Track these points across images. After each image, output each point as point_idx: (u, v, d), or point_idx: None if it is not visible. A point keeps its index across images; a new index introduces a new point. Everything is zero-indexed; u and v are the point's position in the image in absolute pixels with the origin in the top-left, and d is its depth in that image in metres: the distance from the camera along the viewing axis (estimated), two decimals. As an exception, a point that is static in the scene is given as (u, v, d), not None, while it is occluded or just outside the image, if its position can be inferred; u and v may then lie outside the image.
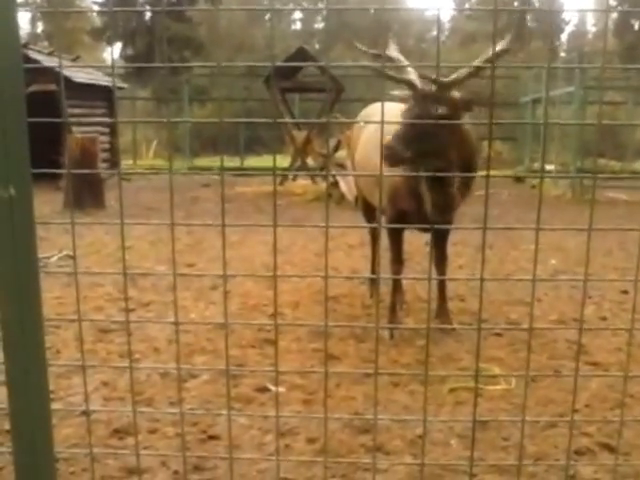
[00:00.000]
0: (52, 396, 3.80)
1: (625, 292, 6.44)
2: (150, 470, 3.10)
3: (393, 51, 4.91)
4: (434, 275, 5.62)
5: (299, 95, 22.52)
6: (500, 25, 45.51)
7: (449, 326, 5.27)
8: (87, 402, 3.00)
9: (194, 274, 7.21)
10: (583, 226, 2.18)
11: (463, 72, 4.44)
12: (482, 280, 2.12)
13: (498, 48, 4.30)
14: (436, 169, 4.33)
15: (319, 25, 56.97)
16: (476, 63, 4.55)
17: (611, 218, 10.86)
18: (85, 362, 4.24)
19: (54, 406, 3.57)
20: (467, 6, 54.09)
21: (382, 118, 2.13)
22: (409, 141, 4.25)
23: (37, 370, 2.07)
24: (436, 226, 4.68)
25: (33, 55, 14.42)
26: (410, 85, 4.47)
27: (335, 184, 14.00)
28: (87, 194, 11.40)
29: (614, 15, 50.68)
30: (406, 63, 4.91)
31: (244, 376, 4.28)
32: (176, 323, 2.32)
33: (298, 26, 58.22)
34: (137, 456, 2.40)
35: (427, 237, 5.44)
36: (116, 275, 6.85)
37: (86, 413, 3.32)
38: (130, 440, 3.36)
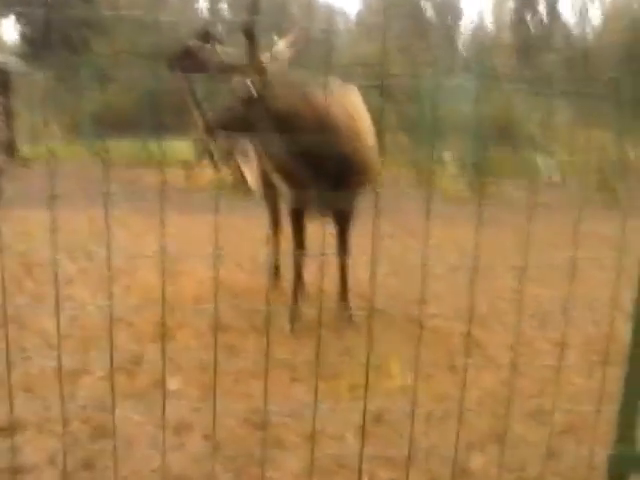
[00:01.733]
0: None
1: (518, 291, 6.63)
2: (37, 468, 3.06)
3: None
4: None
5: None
6: (401, 20, 46.24)
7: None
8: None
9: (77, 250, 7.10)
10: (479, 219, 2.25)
11: None
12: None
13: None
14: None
15: (224, 5, 56.55)
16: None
17: (506, 215, 11.11)
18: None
19: None
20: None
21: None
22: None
23: None
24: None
25: None
26: None
27: (240, 173, 13.97)
28: (-19, 180, 11.05)
29: (509, 11, 52.18)
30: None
31: (141, 372, 4.26)
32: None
33: (202, 6, 57.57)
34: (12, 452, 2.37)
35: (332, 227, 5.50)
36: (10, 265, 6.67)
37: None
38: (17, 438, 3.30)
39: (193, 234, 8.80)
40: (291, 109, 4.55)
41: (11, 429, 3.36)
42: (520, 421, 3.65)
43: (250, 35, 4.45)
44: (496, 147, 19.51)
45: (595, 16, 52.01)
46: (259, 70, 4.58)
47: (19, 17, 38.18)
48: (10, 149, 19.17)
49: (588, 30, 48.41)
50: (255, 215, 9.04)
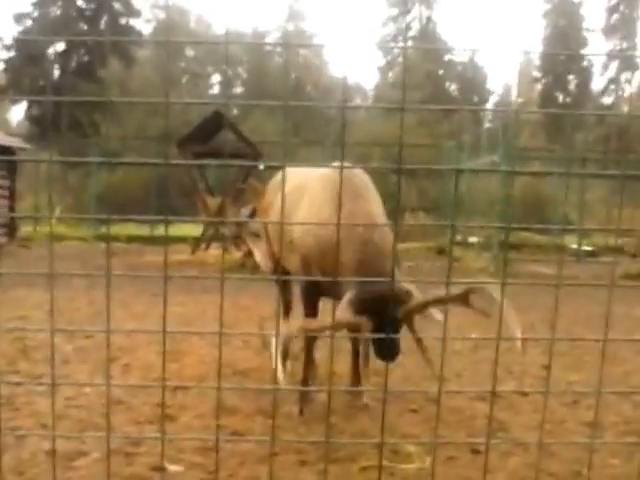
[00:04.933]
0: None
1: (546, 367, 6.53)
2: None
3: None
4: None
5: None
6: (423, 95, 47.05)
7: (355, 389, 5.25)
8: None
9: (72, 329, 7.05)
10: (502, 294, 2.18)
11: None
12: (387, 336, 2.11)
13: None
14: None
15: (238, 89, 57.71)
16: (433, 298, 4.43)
17: (534, 292, 11.05)
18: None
19: None
20: (390, 74, 55.63)
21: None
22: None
23: None
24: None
25: None
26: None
27: (249, 253, 13.98)
28: (-21, 260, 11.09)
29: (538, 87, 53.08)
30: None
31: (139, 454, 4.14)
32: (53, 384, 2.23)
33: (216, 90, 58.78)
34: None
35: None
36: (5, 346, 6.61)
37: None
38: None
39: (197, 313, 8.78)
40: None
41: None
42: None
43: None
44: (524, 225, 19.54)
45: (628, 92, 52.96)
46: None
47: (31, 103, 39.09)
48: (11, 230, 19.31)
49: (622, 108, 49.28)
50: (262, 294, 9.01)
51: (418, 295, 4.29)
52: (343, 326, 4.45)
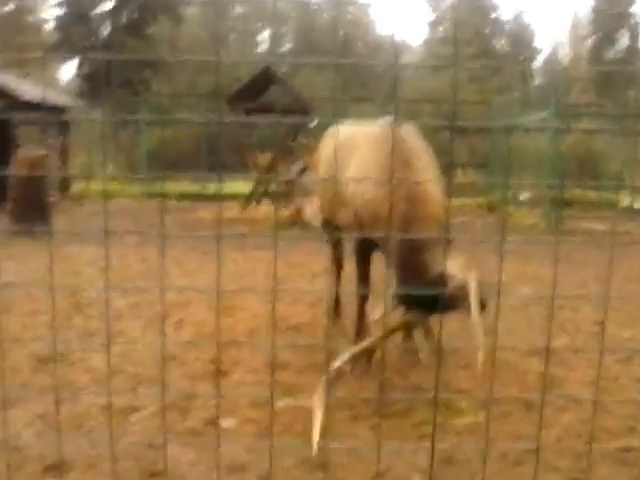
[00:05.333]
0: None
1: (600, 324, 6.44)
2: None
3: None
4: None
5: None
6: (472, 50, 46.32)
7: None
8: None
9: (127, 286, 7.12)
10: (556, 252, 2.13)
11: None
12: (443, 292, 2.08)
13: None
14: None
15: (286, 47, 57.32)
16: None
17: (587, 249, 10.88)
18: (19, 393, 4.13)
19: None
20: (440, 29, 54.73)
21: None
22: None
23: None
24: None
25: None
26: None
27: (300, 211, 13.98)
28: (35, 217, 11.23)
29: (588, 43, 51.98)
30: None
31: (194, 409, 4.19)
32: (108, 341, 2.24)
33: (264, 47, 58.44)
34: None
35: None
36: (59, 302, 6.70)
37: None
38: (65, 477, 3.24)
39: (248, 269, 8.82)
40: None
41: (59, 468, 3.31)
42: (603, 462, 3.46)
43: None
44: (575, 183, 19.17)
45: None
46: None
47: (82, 60, 39.28)
48: (64, 187, 19.53)
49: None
50: (313, 251, 9.00)
51: (456, 275, 4.17)
52: (394, 332, 4.46)
